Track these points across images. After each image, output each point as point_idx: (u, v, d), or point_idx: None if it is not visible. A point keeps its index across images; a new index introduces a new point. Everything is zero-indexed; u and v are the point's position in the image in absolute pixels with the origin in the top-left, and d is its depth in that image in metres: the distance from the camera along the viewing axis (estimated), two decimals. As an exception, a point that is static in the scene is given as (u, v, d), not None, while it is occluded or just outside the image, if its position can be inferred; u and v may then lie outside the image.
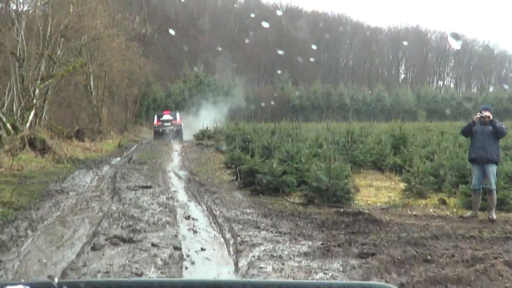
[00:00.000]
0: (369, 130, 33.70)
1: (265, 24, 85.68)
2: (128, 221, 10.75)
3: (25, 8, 27.99)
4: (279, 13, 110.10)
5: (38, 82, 26.11)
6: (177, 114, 50.31)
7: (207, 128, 42.87)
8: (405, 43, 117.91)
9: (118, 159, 26.26)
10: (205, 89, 78.98)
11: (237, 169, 17.70)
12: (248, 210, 12.69)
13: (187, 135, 47.02)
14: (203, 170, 21.54)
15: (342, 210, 12.80)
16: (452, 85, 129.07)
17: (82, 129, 36.09)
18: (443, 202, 13.96)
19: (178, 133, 47.62)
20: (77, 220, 11.12)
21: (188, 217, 11.67)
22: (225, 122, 48.54)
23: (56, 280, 2.30)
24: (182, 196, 14.93)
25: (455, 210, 13.20)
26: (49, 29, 26.71)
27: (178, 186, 16.91)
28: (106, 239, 9.24)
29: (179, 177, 19.48)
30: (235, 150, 21.25)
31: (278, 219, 11.68)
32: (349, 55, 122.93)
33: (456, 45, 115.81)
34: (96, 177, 18.70)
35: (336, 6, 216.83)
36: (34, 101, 25.98)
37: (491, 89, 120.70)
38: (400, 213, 12.91)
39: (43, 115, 28.83)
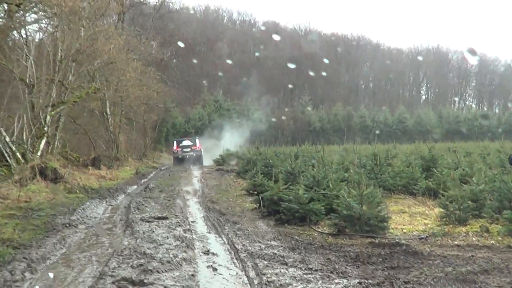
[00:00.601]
0: (394, 152, 32.64)
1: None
2: (139, 259, 9.59)
3: (34, 33, 26.98)
4: (298, 36, 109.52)
5: (49, 109, 25.09)
6: (197, 139, 49.75)
7: (227, 153, 41.89)
8: (423, 61, 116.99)
9: (135, 187, 25.19)
10: (224, 114, 78.63)
11: (260, 197, 16.47)
12: (273, 243, 11.46)
13: (207, 160, 46.47)
14: (223, 197, 20.44)
15: (377, 240, 11.59)
16: (474, 105, 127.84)
17: (98, 156, 35.10)
18: (486, 230, 12.63)
19: (198, 159, 47.17)
20: (83, 258, 9.97)
21: (207, 252, 10.50)
22: (245, 146, 47.57)
23: None
24: (201, 227, 13.78)
25: (499, 238, 11.89)
26: (59, 54, 25.72)
27: (196, 216, 15.75)
28: (113, 282, 8.09)
29: (198, 205, 18.36)
30: (257, 176, 20.12)
31: (307, 252, 10.46)
32: (369, 77, 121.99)
33: (472, 60, 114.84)
34: (109, 208, 17.60)
35: (355, 28, 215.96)
36: (46, 128, 24.94)
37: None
38: (440, 242, 11.62)
39: (56, 143, 27.71)
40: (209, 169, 38.01)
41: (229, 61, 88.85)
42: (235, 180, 28.27)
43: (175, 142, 49.76)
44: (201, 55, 71.23)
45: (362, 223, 12.32)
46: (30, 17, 27.36)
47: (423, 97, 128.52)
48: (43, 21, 27.44)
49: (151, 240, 11.46)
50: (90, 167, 31.39)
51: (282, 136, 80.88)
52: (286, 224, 13.87)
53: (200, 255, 10.30)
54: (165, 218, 14.66)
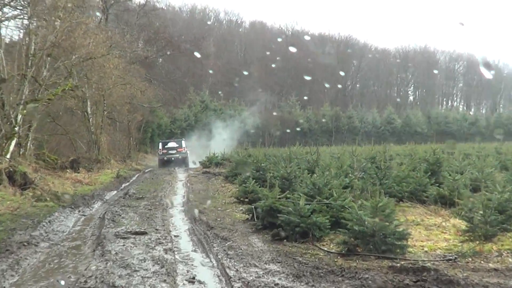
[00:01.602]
0: (389, 154, 30.91)
1: (292, 49, 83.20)
2: (106, 293, 7.56)
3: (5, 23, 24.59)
4: (283, 37, 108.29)
5: (21, 107, 22.83)
6: (183, 141, 48.80)
7: (214, 154, 40.10)
8: (410, 61, 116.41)
9: (114, 192, 23.13)
10: (211, 114, 77.04)
11: (253, 206, 14.41)
12: (272, 267, 9.39)
13: (193, 162, 44.87)
14: (211, 206, 18.23)
15: (398, 264, 9.57)
16: (462, 106, 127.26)
17: (77, 158, 33.00)
18: (522, 248, 10.72)
19: (184, 161, 46.40)
20: (36, 292, 7.94)
21: (192, 280, 8.51)
22: (232, 147, 46.16)
23: None
24: (185, 243, 11.75)
25: (540, 259, 9.96)
26: (32, 47, 23.50)
27: (180, 229, 13.70)
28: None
29: (182, 216, 16.28)
30: (248, 181, 18.15)
31: (315, 281, 8.42)
32: (356, 78, 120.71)
33: (488, 75, 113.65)
34: (82, 219, 15.51)
35: (343, 28, 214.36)
36: (17, 128, 22.70)
37: (501, 109, 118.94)
38: (473, 265, 9.59)
39: (28, 144, 25.47)
40: (195, 172, 35.99)
41: (215, 60, 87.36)
42: (223, 184, 26.20)
43: (160, 144, 48.78)
44: (187, 54, 69.30)
45: (377, 241, 10.32)
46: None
47: (411, 97, 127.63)
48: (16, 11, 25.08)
49: (124, 264, 9.37)
50: (68, 170, 29.37)
51: (269, 137, 79.39)
52: (285, 240, 11.85)
53: (184, 284, 8.29)
54: (144, 233, 12.54)
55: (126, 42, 42.46)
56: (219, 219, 14.86)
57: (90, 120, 38.93)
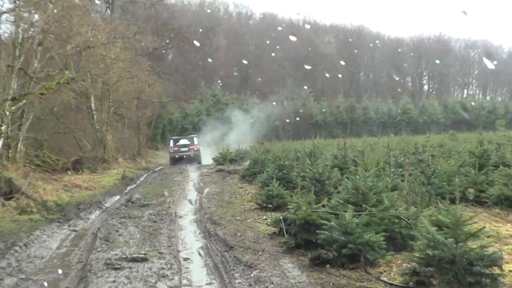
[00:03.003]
0: (418, 147, 28.21)
1: (292, 38, 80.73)
2: None
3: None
4: (297, 27, 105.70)
5: (8, 103, 19.92)
6: (195, 138, 46.72)
7: (228, 150, 37.42)
8: (425, 50, 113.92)
9: (116, 198, 20.27)
10: (223, 108, 74.74)
11: (281, 218, 11.49)
12: (321, 315, 6.56)
13: (206, 158, 43.18)
14: (228, 213, 15.19)
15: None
16: (478, 94, 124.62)
17: (80, 158, 30.36)
18: None
19: (196, 159, 44.32)
20: None
21: None
22: (246, 142, 44.43)
23: None
24: (197, 273, 9.01)
25: None
26: (20, 35, 20.60)
27: (192, 248, 10.94)
28: None
29: (193, 228, 13.48)
30: (272, 184, 15.29)
31: None
32: (370, 68, 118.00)
33: (491, 65, 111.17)
34: (71, 237, 12.67)
35: (355, 18, 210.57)
36: (3, 127, 19.85)
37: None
38: None
39: (19, 145, 22.55)
40: (208, 170, 33.22)
41: (226, 53, 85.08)
42: (240, 185, 23.25)
43: (171, 141, 46.55)
44: (197, 48, 66.89)
45: (460, 270, 7.48)
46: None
47: (425, 87, 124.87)
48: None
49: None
50: (69, 172, 26.75)
51: (283, 130, 77.05)
52: (328, 265, 9.01)
53: None
54: (143, 259, 9.64)
55: (131, 33, 39.52)
56: (239, 234, 11.91)
57: (95, 117, 36.28)
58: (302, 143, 44.18)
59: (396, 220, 9.93)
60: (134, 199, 18.50)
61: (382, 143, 35.55)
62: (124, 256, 9.89)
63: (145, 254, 10.01)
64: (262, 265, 9.17)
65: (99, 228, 13.11)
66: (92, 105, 35.90)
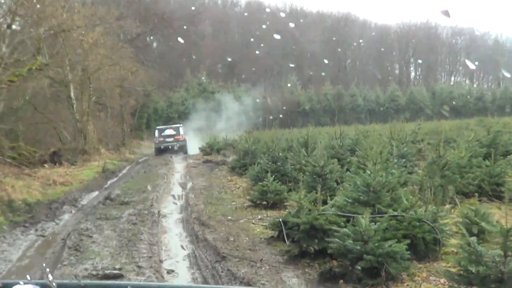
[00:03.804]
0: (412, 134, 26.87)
1: (276, 36, 79.26)
2: None
3: None
4: (283, 15, 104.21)
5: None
6: (180, 128, 44.86)
7: (215, 140, 35.86)
8: (412, 37, 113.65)
9: (95, 194, 18.57)
10: (209, 97, 73.21)
11: (281, 220, 9.78)
12: None
13: (192, 148, 41.26)
14: (217, 212, 13.45)
15: None
16: (465, 81, 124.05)
17: (59, 150, 28.55)
18: None
19: (182, 149, 42.52)
20: None
21: None
22: (233, 131, 43.59)
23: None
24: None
25: None
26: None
27: (177, 257, 9.36)
28: None
29: (179, 230, 11.84)
30: (267, 179, 13.62)
31: None
32: (357, 55, 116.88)
33: (472, 66, 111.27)
34: (37, 244, 10.94)
35: (341, 6, 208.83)
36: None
37: (501, 84, 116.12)
38: None
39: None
40: (195, 161, 31.53)
41: (212, 41, 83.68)
42: (229, 178, 21.51)
43: (156, 131, 44.75)
44: (182, 35, 65.18)
45: (510, 291, 5.95)
46: None
47: (412, 74, 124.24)
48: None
49: None
50: (46, 165, 24.98)
51: (270, 118, 75.95)
52: (342, 280, 7.42)
53: None
54: (118, 275, 7.98)
55: (112, 17, 37.66)
56: (231, 239, 10.23)
57: (74, 106, 34.40)
58: (290, 132, 42.98)
59: (418, 224, 8.38)
60: (114, 196, 16.76)
61: (376, 131, 34.22)
62: (94, 272, 8.18)
63: (120, 268, 8.35)
64: (262, 281, 7.56)
65: (69, 233, 11.38)
66: (72, 94, 34.03)
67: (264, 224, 11.13)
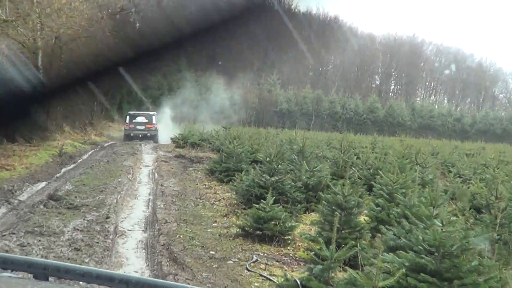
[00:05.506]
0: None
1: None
2: None
3: None
4: (269, 12, 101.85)
5: None
6: (153, 117, 42.60)
7: (190, 132, 32.57)
8: (396, 50, 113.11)
9: (41, 186, 14.90)
10: (187, 86, 70.38)
11: (298, 282, 6.27)
12: None
13: (164, 137, 38.82)
14: (195, 240, 9.68)
15: None
16: (445, 100, 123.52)
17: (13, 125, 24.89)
18: None
19: (153, 138, 40.19)
20: None
21: None
22: (207, 123, 44.44)
23: None
24: None
25: None
26: None
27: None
28: None
29: (140, 265, 8.30)
30: (266, 203, 10.04)
31: None
32: (340, 61, 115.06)
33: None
34: None
35: (330, 8, 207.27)
36: None
37: (481, 108, 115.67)
38: None
39: None
40: (166, 153, 28.05)
41: (194, 27, 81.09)
42: (206, 183, 17.64)
43: (127, 117, 42.30)
44: (165, 17, 61.97)
45: None
46: None
47: (392, 86, 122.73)
48: None
49: None
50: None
51: (246, 114, 73.60)
52: None
53: None
54: None
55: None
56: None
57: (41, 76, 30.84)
58: (268, 132, 40.31)
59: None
60: (62, 193, 12.98)
61: (367, 142, 31.29)
62: None
63: None
64: None
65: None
66: (39, 62, 30.52)
67: (265, 273, 7.65)
